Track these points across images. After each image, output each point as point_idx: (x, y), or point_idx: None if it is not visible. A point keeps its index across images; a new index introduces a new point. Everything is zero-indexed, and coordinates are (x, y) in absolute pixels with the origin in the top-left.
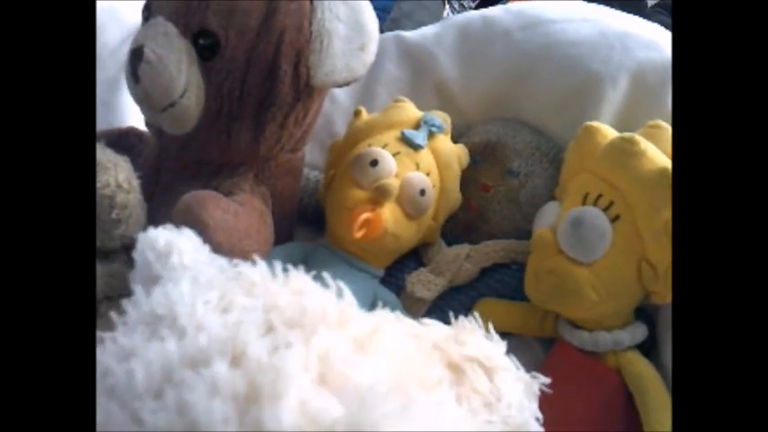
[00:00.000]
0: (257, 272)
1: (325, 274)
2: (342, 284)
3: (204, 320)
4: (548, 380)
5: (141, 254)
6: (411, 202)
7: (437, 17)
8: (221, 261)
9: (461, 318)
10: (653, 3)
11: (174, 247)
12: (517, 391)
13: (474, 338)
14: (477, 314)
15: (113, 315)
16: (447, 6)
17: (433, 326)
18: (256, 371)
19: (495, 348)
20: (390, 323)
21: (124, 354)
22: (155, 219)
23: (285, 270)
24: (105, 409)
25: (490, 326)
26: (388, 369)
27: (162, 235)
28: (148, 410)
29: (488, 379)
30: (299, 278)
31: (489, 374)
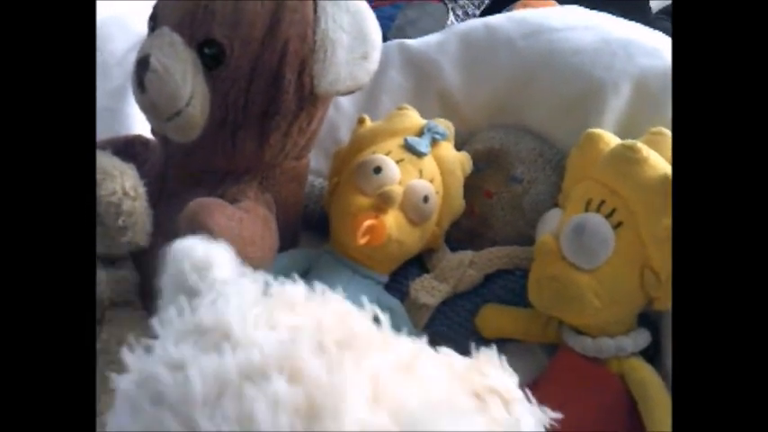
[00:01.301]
0: (299, 290)
1: (364, 299)
2: (377, 310)
3: (257, 335)
4: (559, 415)
5: (177, 263)
6: (414, 209)
7: (441, 25)
8: (262, 276)
9: (482, 349)
10: (657, 10)
11: (213, 260)
12: (529, 424)
13: (493, 370)
14: (495, 349)
15: (155, 323)
16: (451, 14)
17: (452, 356)
18: (316, 388)
19: (512, 380)
20: (426, 350)
21: (174, 363)
22: (160, 226)
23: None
24: (153, 416)
25: (504, 360)
26: (431, 393)
27: (199, 246)
28: (206, 419)
29: (506, 410)
30: (337, 299)
31: (507, 406)
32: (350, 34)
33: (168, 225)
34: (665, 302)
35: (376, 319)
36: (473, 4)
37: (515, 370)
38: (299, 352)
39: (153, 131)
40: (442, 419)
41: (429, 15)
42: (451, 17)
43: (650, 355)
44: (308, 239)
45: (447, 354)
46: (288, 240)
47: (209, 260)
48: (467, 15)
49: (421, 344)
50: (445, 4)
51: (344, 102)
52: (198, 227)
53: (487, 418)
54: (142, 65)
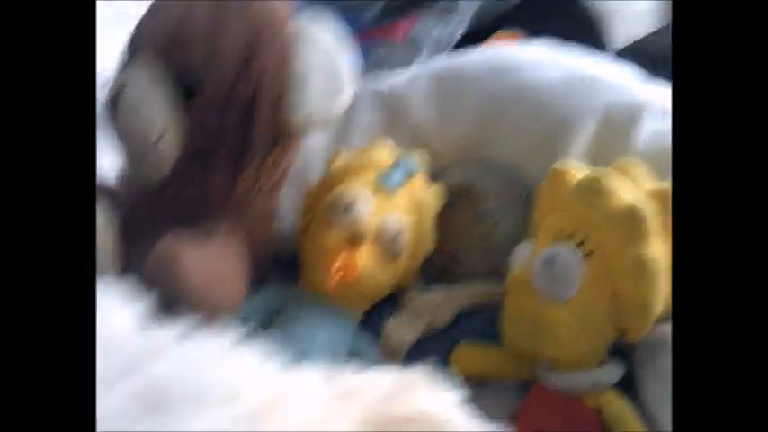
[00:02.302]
0: (161, 334)
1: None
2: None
3: None
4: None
5: None
6: (387, 245)
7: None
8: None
9: (404, 372)
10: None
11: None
12: None
13: (416, 394)
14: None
15: None
16: (422, 53)
17: (377, 379)
18: None
19: (444, 401)
20: (303, 389)
21: None
22: (130, 264)
23: None
24: None
25: (439, 375)
26: None
27: None
28: None
29: None
30: (204, 345)
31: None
32: (323, 69)
33: (137, 264)
34: (637, 332)
35: None
36: (442, 44)
37: (489, 410)
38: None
39: (123, 166)
40: None
41: (399, 54)
42: (422, 56)
43: (624, 387)
44: (279, 279)
45: (366, 375)
46: (259, 280)
47: None
48: (436, 54)
49: (308, 382)
50: (416, 44)
51: (316, 139)
52: (165, 267)
53: None
54: (116, 95)
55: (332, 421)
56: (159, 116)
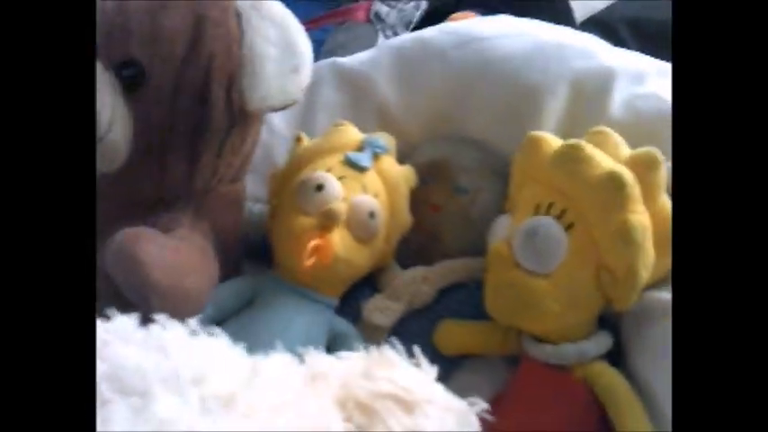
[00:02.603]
0: (108, 328)
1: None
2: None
3: None
4: (486, 405)
5: None
6: (361, 226)
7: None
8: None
9: (374, 349)
10: (583, 19)
11: None
12: (446, 423)
13: (388, 371)
14: (395, 341)
15: None
16: (381, 35)
17: (346, 360)
18: None
19: (419, 378)
20: (271, 371)
21: None
22: None
23: None
24: None
25: (416, 350)
26: (254, 426)
27: None
28: None
29: (407, 416)
30: (165, 333)
31: (408, 410)
32: (278, 47)
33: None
34: (623, 302)
35: None
36: (402, 24)
37: (477, 386)
38: None
39: None
40: None
41: (358, 38)
42: (381, 39)
43: (613, 358)
44: (252, 269)
45: (341, 359)
46: (229, 270)
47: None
48: (396, 35)
49: (276, 362)
50: (374, 26)
51: (279, 123)
52: (126, 258)
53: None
54: None
55: (305, 400)
56: (103, 108)
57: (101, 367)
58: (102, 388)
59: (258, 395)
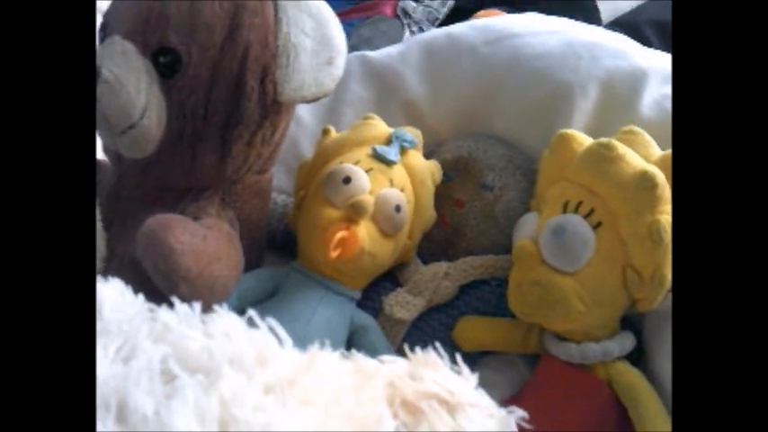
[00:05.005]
0: (171, 315)
1: (252, 312)
2: (274, 322)
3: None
4: (524, 414)
5: None
6: (387, 220)
7: (397, 42)
8: (142, 305)
9: (418, 351)
10: (608, 21)
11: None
12: (488, 427)
13: (434, 373)
14: (439, 345)
15: None
16: (407, 31)
17: (391, 363)
18: (141, 425)
19: (461, 382)
20: (326, 362)
21: None
22: (114, 250)
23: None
24: None
25: (458, 357)
26: (313, 413)
27: None
28: None
29: (451, 417)
30: (224, 319)
31: (452, 412)
32: (313, 39)
33: (123, 248)
34: (648, 303)
35: None
36: (428, 21)
37: (496, 384)
38: (132, 385)
39: (104, 148)
40: None
41: (384, 33)
42: (407, 34)
43: (634, 359)
44: (272, 259)
45: (385, 361)
46: (252, 260)
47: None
48: (422, 31)
49: (324, 355)
50: (400, 21)
51: (306, 116)
52: (158, 244)
53: (423, 429)
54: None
55: (361, 392)
56: (139, 94)
57: (162, 350)
58: (168, 366)
59: (317, 383)
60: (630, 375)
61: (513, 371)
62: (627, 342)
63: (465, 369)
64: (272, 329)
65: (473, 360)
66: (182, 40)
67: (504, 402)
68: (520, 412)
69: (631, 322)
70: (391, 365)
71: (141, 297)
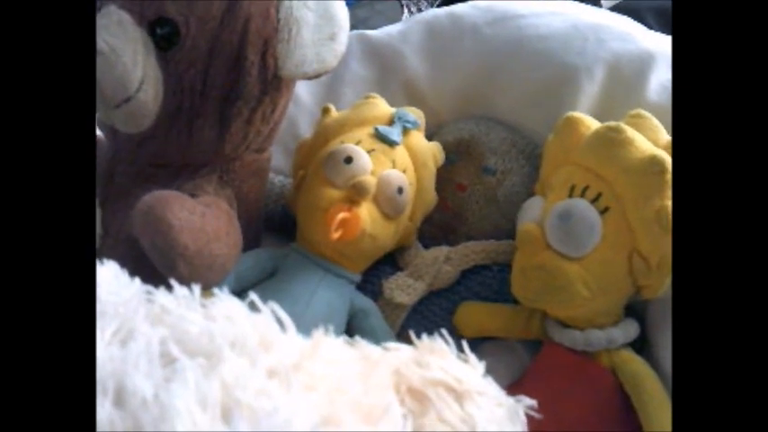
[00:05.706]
0: (169, 297)
1: (254, 295)
2: (276, 306)
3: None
4: (533, 402)
5: None
6: (389, 201)
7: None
8: (138, 287)
9: (425, 338)
10: (609, 6)
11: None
12: (496, 416)
13: (441, 360)
14: (445, 333)
15: None
16: (405, 12)
17: (396, 350)
18: (141, 409)
19: (469, 370)
20: (331, 348)
21: None
22: (108, 227)
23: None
24: None
25: (465, 345)
26: (317, 399)
27: None
28: None
29: (459, 405)
30: (226, 303)
31: (460, 400)
32: (315, 13)
33: (117, 226)
34: (653, 290)
35: None
36: (427, 0)
37: (496, 370)
38: (130, 368)
39: (99, 122)
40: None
41: (380, 13)
42: (405, 14)
43: (637, 348)
44: (270, 240)
45: (391, 348)
46: (250, 240)
47: None
48: (420, 11)
49: (329, 340)
50: (398, 0)
51: (304, 95)
52: (155, 221)
53: (430, 418)
54: None
55: (367, 379)
56: (135, 66)
57: (160, 332)
58: (168, 348)
59: (322, 368)
60: (635, 363)
61: (513, 357)
62: (631, 330)
63: (472, 357)
64: (274, 313)
65: (473, 346)
66: (180, 10)
67: (505, 389)
68: (528, 401)
69: (635, 310)
70: (397, 352)
71: (137, 280)
